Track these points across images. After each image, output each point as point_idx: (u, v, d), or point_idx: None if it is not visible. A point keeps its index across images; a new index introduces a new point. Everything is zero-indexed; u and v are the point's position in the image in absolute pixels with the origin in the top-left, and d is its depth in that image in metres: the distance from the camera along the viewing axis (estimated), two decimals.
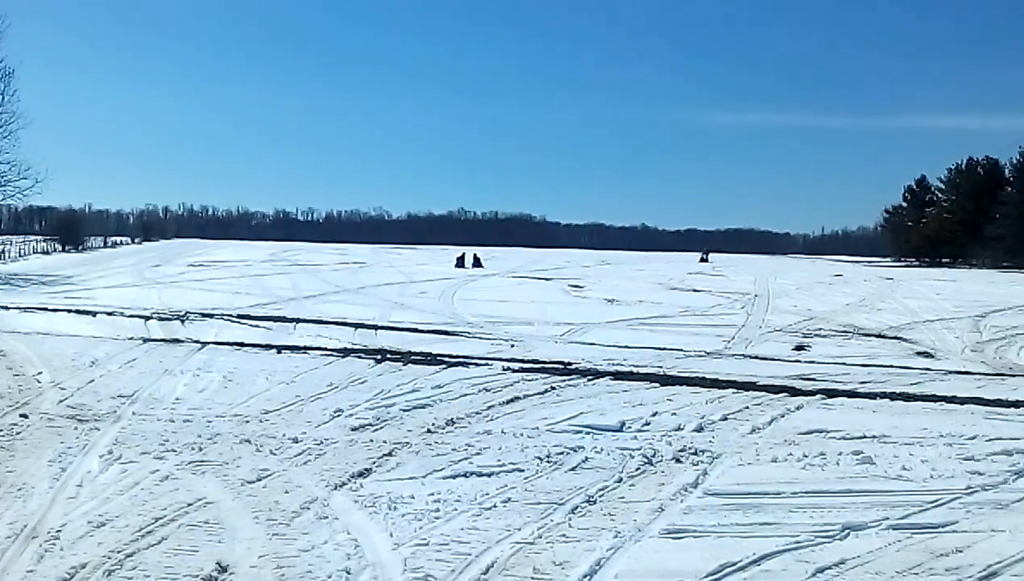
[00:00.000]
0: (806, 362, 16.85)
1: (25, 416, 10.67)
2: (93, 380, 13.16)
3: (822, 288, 40.85)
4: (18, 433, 9.85)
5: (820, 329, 22.99)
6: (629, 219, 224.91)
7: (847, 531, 7.01)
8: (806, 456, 9.34)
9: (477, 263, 53.34)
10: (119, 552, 6.32)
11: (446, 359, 15.64)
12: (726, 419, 11.24)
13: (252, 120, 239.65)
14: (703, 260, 74.19)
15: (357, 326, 20.86)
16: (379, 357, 15.79)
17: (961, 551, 6.62)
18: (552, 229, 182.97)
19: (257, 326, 20.65)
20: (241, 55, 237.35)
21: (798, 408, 12.06)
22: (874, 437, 10.27)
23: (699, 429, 10.63)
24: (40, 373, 13.62)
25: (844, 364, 16.50)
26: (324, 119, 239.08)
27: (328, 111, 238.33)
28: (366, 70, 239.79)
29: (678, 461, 9.13)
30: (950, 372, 15.98)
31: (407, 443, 9.70)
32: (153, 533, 6.75)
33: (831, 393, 13.17)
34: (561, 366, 15.18)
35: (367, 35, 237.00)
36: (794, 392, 13.17)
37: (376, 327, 20.89)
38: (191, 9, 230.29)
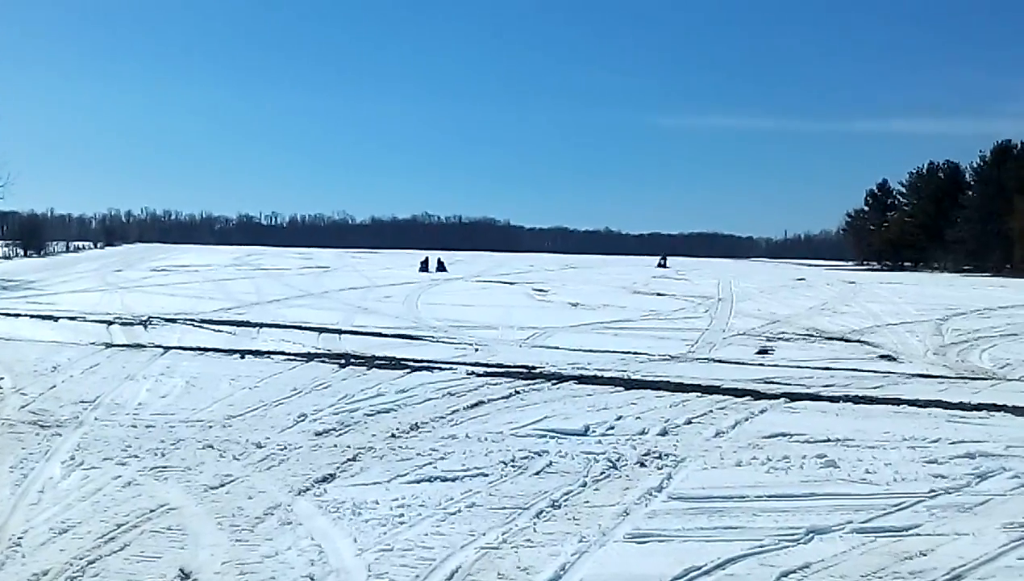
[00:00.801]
0: (770, 366, 16.96)
1: None
2: (55, 386, 13.07)
3: (785, 292, 41.12)
4: None
5: (783, 333, 23.16)
6: (593, 223, 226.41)
7: (811, 535, 7.04)
8: (770, 460, 9.37)
9: (441, 267, 53.28)
10: (81, 559, 6.30)
11: (410, 363, 15.63)
12: (690, 423, 11.28)
13: (215, 124, 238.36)
14: (661, 265, 72.15)
15: (321, 330, 20.83)
16: (343, 361, 15.79)
17: (925, 554, 6.66)
18: (516, 233, 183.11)
19: (220, 331, 20.57)
20: (203, 57, 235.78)
21: (762, 412, 12.13)
22: (837, 440, 10.32)
23: (663, 433, 10.65)
24: (1, 379, 13.51)
25: (807, 368, 16.60)
26: (287, 122, 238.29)
27: (291, 114, 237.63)
28: (328, 73, 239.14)
29: (642, 465, 9.14)
30: (912, 375, 16.13)
31: (371, 448, 9.70)
32: (116, 539, 6.72)
33: (794, 397, 13.26)
34: (525, 370, 15.23)
35: (329, 37, 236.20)
36: (758, 396, 13.23)
37: (340, 331, 20.86)
38: (154, 10, 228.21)
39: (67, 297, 29.46)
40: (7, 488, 8.00)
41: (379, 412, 11.62)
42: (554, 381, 14.26)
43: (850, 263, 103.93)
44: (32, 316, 22.67)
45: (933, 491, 8.31)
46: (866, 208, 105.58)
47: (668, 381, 14.43)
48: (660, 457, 9.45)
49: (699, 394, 13.32)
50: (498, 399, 12.70)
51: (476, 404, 12.29)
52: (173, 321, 22.07)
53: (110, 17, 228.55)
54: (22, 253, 68.16)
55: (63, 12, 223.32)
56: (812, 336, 22.60)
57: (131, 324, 21.23)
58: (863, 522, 7.38)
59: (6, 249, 70.56)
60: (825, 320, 27.08)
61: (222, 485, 8.27)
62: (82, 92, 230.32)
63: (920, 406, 12.68)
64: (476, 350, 18.20)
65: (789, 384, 14.45)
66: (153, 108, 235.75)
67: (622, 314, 27.84)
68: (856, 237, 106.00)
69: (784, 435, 10.59)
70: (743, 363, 17.31)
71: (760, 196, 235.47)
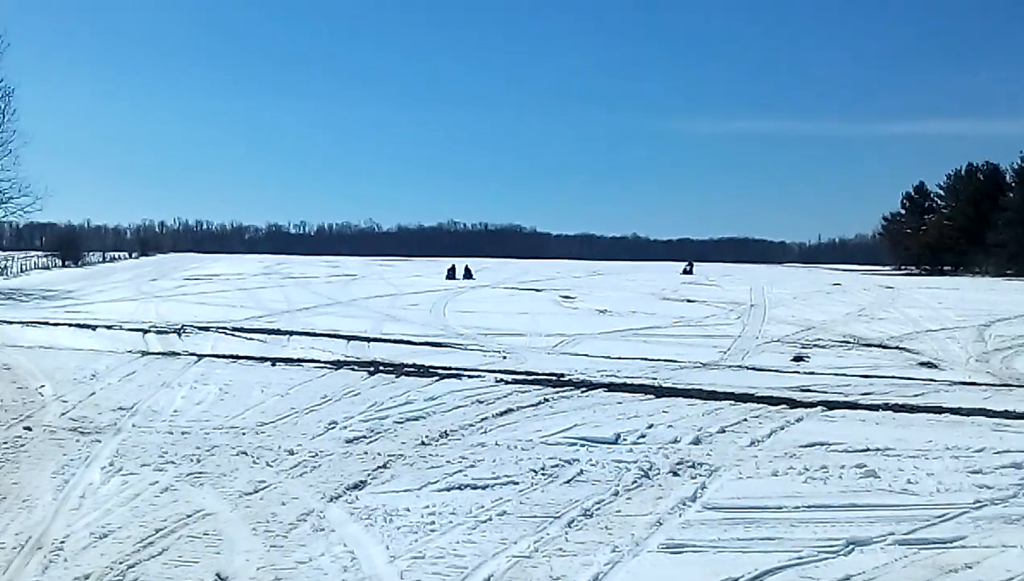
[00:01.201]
0: (805, 373, 16.75)
1: (29, 429, 10.85)
2: (94, 393, 13.33)
3: (820, 297, 40.50)
4: (22, 445, 10.03)
5: (819, 339, 22.88)
6: (620, 229, 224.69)
7: (851, 546, 6.94)
8: (807, 469, 9.26)
9: (468, 274, 53.36)
10: (121, 563, 6.47)
11: (439, 371, 15.76)
12: (724, 431, 11.21)
13: (245, 135, 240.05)
14: (687, 271, 69.98)
15: (350, 338, 21.00)
16: (372, 369, 15.94)
17: (971, 567, 6.58)
18: (542, 240, 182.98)
19: (252, 339, 20.80)
20: (233, 72, 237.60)
21: (798, 420, 11.99)
22: (877, 450, 10.20)
23: (696, 442, 10.60)
24: (43, 386, 13.80)
25: (845, 375, 16.38)
26: (315, 133, 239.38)
27: (318, 125, 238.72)
28: (355, 83, 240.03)
29: (675, 474, 9.10)
30: (954, 383, 15.86)
31: (401, 455, 9.83)
32: (154, 544, 6.90)
33: (832, 405, 13.09)
34: (554, 378, 15.27)
35: (356, 49, 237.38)
36: (794, 404, 13.11)
37: (368, 339, 21.03)
38: (185, 27, 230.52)
39: (104, 306, 29.88)
40: (49, 493, 8.20)
41: (409, 419, 11.75)
42: (583, 388, 14.30)
43: (887, 268, 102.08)
44: (71, 325, 23.04)
45: (978, 502, 8.17)
46: (903, 211, 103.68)
47: (700, 389, 14.33)
48: (693, 466, 9.39)
49: (732, 402, 13.24)
50: (527, 407, 12.77)
51: (505, 412, 12.37)
52: (206, 329, 22.34)
53: (142, 35, 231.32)
54: (60, 263, 68.89)
55: (98, 30, 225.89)
56: (849, 343, 22.32)
57: (166, 332, 21.53)
58: (905, 534, 7.28)
59: (45, 260, 71.39)
60: (862, 326, 26.74)
61: (256, 491, 8.43)
62: (117, 107, 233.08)
63: (963, 414, 12.47)
64: (504, 357, 18.29)
65: (826, 392, 14.27)
66: (185, 122, 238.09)
67: (651, 321, 27.72)
68: (892, 241, 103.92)
69: (822, 444, 10.46)
70: (778, 371, 17.11)
71: (792, 200, 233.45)
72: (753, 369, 17.40)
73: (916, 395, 14.24)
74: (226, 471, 9.10)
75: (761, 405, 13.02)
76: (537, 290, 43.65)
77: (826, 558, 6.72)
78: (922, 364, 18.46)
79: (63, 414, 11.83)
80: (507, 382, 14.71)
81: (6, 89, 42.62)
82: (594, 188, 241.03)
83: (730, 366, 17.85)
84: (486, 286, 46.18)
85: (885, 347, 21.48)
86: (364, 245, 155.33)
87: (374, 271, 63.68)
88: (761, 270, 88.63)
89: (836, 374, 16.57)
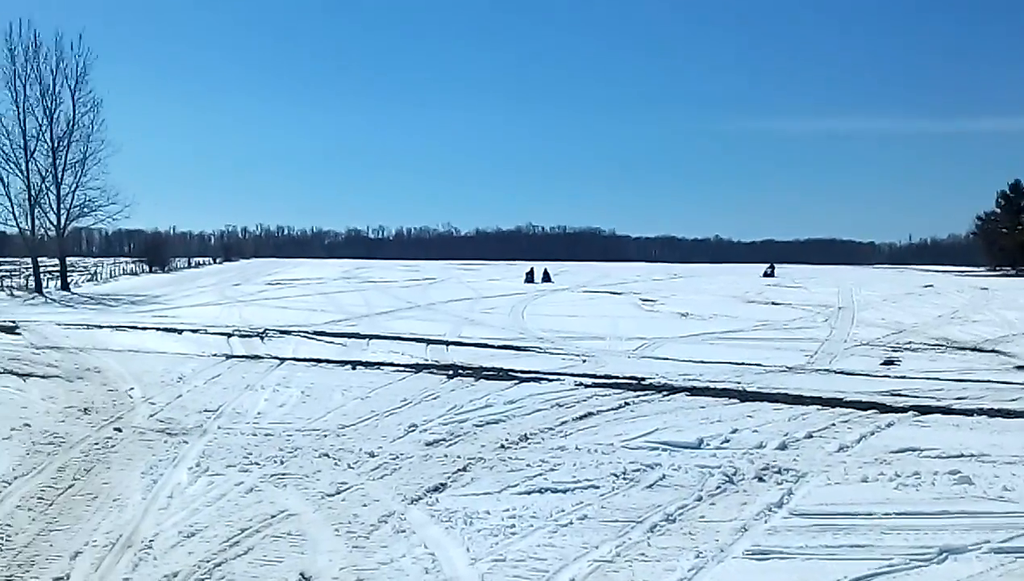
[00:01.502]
0: (896, 377, 16.38)
1: (119, 430, 11.16)
2: (181, 395, 13.65)
3: (911, 300, 39.42)
4: (113, 446, 10.31)
5: (910, 343, 22.40)
6: (702, 231, 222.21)
7: (945, 554, 6.80)
8: (899, 475, 9.06)
9: (546, 278, 53.30)
10: (208, 562, 6.61)
11: (518, 375, 15.80)
12: (811, 437, 11.01)
13: (324, 141, 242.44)
14: (768, 274, 66.94)
15: (429, 342, 21.15)
16: (451, 372, 16.04)
17: None
18: (622, 243, 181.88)
19: (332, 342, 21.04)
20: (313, 80, 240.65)
21: (889, 425, 11.76)
22: (972, 456, 9.95)
23: (782, 447, 10.43)
24: (132, 389, 14.17)
25: (937, 379, 15.99)
26: (394, 138, 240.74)
27: (397, 130, 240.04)
28: (434, 87, 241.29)
29: (761, 480, 8.99)
30: None
31: (481, 458, 9.86)
32: (239, 543, 7.04)
33: (924, 410, 12.80)
34: (635, 381, 15.20)
35: (432, 51, 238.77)
36: (884, 409, 12.84)
37: (447, 343, 21.15)
38: (265, 37, 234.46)
39: (189, 310, 30.53)
40: (139, 493, 8.41)
41: (488, 423, 11.78)
42: (665, 392, 14.20)
43: (981, 268, 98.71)
44: (158, 329, 23.58)
45: None
46: (998, 210, 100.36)
47: (786, 393, 14.14)
48: (780, 472, 9.26)
49: (820, 407, 13.02)
50: (607, 410, 12.71)
51: (585, 415, 12.32)
52: (288, 333, 22.69)
53: (224, 46, 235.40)
54: (147, 269, 70.56)
55: (182, 42, 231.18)
56: (942, 346, 21.80)
57: (249, 336, 21.91)
58: (1002, 542, 7.08)
59: (133, 265, 73.25)
60: (956, 329, 26.04)
61: (338, 493, 8.53)
62: (201, 116, 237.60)
63: None
64: (584, 361, 18.23)
65: (918, 396, 13.95)
66: (267, 130, 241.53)
67: (734, 324, 27.32)
68: (987, 241, 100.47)
69: (913, 450, 10.23)
70: (867, 374, 16.76)
71: (882, 200, 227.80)
72: (841, 373, 17.07)
73: (1012, 400, 13.83)
74: (309, 472, 9.23)
75: (850, 410, 12.77)
76: (617, 293, 43.41)
77: (918, 566, 6.58)
78: (1018, 368, 17.94)
79: (151, 416, 12.14)
80: (587, 386, 14.66)
81: (95, 100, 43.77)
82: (675, 189, 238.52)
83: (817, 370, 17.54)
84: (565, 289, 46.08)
85: (979, 350, 20.92)
86: (442, 249, 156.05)
87: (453, 275, 63.97)
88: (849, 272, 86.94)
89: (928, 378, 16.18)
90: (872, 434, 11.22)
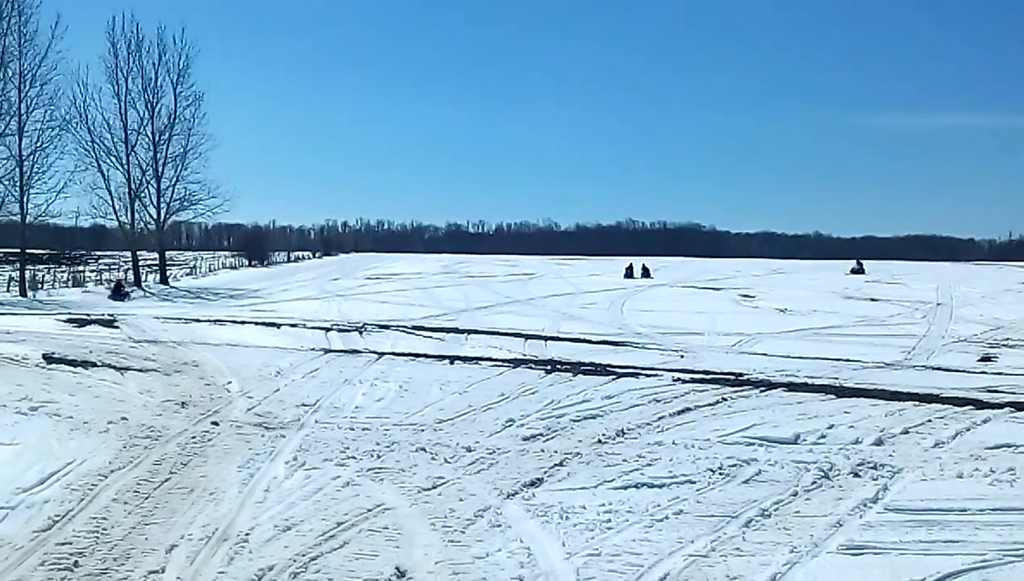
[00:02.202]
0: (993, 374, 16.13)
1: (216, 424, 11.31)
2: (278, 389, 13.81)
3: (1011, 296, 38.50)
4: (210, 440, 10.45)
5: (1008, 339, 21.96)
6: (802, 227, 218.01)
7: None
8: (994, 471, 8.88)
9: (646, 273, 52.92)
10: (304, 555, 6.62)
11: (616, 370, 15.67)
12: (907, 432, 10.86)
13: (424, 135, 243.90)
14: (856, 271, 62.41)
15: (527, 337, 21.11)
16: (549, 367, 15.96)
17: None
18: (722, 238, 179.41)
19: (431, 337, 21.16)
20: (414, 75, 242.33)
21: (985, 422, 11.54)
22: None
23: (878, 443, 10.31)
24: (229, 383, 14.39)
25: None
26: (495, 133, 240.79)
27: (498, 125, 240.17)
28: (532, 82, 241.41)
29: (856, 475, 8.86)
30: None
31: (578, 453, 9.78)
32: (335, 537, 7.04)
33: (1020, 406, 12.53)
34: (732, 377, 15.02)
35: (535, 46, 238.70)
36: (980, 405, 12.61)
37: (546, 338, 21.10)
38: (365, 31, 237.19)
39: (288, 305, 30.95)
40: (235, 487, 8.49)
41: (585, 418, 11.70)
42: (762, 388, 14.02)
43: None
44: (256, 323, 23.93)
45: None
46: None
47: (883, 389, 13.92)
48: (875, 467, 9.12)
49: (916, 403, 12.80)
50: (704, 406, 12.57)
51: (682, 411, 12.20)
52: (386, 327, 22.87)
53: (325, 41, 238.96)
54: (247, 263, 71.52)
55: (283, 36, 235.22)
56: None
57: (347, 331, 22.14)
58: None
59: (232, 259, 74.36)
60: None
61: (434, 487, 8.51)
62: (303, 111, 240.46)
63: None
64: (682, 356, 18.08)
65: (1015, 393, 13.66)
66: (367, 124, 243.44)
67: (833, 320, 27.00)
68: None
69: (1009, 446, 10.04)
70: (964, 371, 16.53)
71: (982, 195, 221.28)
72: (938, 369, 16.89)
73: None
74: (405, 467, 9.23)
75: (946, 406, 12.57)
76: (716, 289, 42.95)
77: (1012, 562, 6.47)
78: None
79: (249, 410, 12.30)
80: (684, 381, 14.51)
81: (196, 94, 44.41)
82: (775, 185, 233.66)
83: (914, 366, 17.35)
84: (664, 285, 45.75)
85: None
86: (542, 244, 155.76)
87: (552, 270, 63.92)
88: (948, 268, 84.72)
89: None
90: (968, 430, 11.06)
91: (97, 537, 7.04)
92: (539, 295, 36.44)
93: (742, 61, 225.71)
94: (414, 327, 23.09)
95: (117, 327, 22.27)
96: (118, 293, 35.09)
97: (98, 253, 61.63)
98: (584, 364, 16.42)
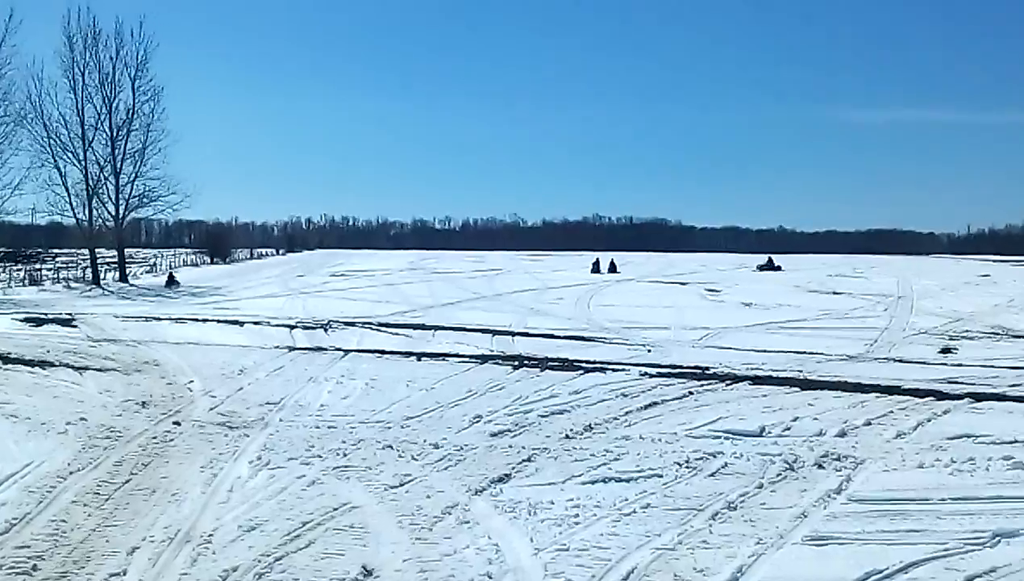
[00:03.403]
0: (953, 365, 16.38)
1: (178, 423, 11.14)
2: (242, 388, 13.63)
3: (969, 289, 39.53)
4: (172, 440, 10.28)
5: (967, 331, 22.36)
6: (767, 222, 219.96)
7: (998, 539, 6.79)
8: (954, 461, 9.07)
9: (612, 268, 53.13)
10: (269, 556, 6.53)
11: (583, 365, 15.65)
12: (870, 424, 11.00)
13: (389, 131, 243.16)
14: (765, 267, 59.05)
15: (494, 333, 21.06)
16: (516, 363, 15.91)
17: None
18: (688, 233, 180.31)
19: (397, 334, 21.01)
20: (376, 69, 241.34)
21: (945, 412, 11.73)
22: None
23: (842, 434, 10.44)
24: (191, 382, 14.16)
25: (993, 367, 15.98)
26: (459, 128, 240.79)
27: (462, 120, 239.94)
28: (497, 78, 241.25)
29: (820, 467, 8.99)
30: None
31: (546, 449, 9.75)
32: (301, 537, 6.95)
33: (980, 397, 12.76)
34: (699, 371, 15.06)
35: (497, 44, 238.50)
36: (941, 396, 12.79)
37: (513, 333, 21.05)
38: (327, 24, 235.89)
39: (251, 302, 30.63)
40: (198, 487, 8.36)
41: (553, 413, 11.67)
42: (728, 381, 14.08)
43: None
44: (219, 321, 23.62)
45: None
46: None
47: (846, 381, 14.11)
48: (839, 459, 9.26)
49: (879, 394, 12.98)
50: (671, 400, 12.60)
51: (649, 405, 12.22)
52: (352, 325, 22.68)
53: (287, 33, 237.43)
54: (209, 260, 70.94)
55: (243, 28, 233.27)
56: (998, 334, 21.79)
57: (312, 328, 21.91)
58: None
59: (194, 256, 73.63)
60: (1013, 317, 26.01)
61: (401, 485, 8.45)
62: (264, 105, 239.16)
63: None
64: (649, 351, 18.10)
65: (974, 384, 13.90)
66: (331, 119, 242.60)
67: (796, 313, 27.31)
68: None
69: (969, 436, 10.23)
70: (925, 363, 16.81)
71: (940, 190, 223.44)
72: (900, 361, 17.10)
73: None
74: (372, 465, 9.15)
75: (908, 397, 12.76)
76: (682, 284, 43.21)
77: (972, 550, 6.60)
78: None
79: (212, 409, 12.13)
80: (651, 375, 14.53)
81: (156, 88, 43.37)
82: (741, 180, 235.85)
83: (876, 358, 17.56)
84: (631, 280, 45.91)
85: None
86: (509, 240, 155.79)
87: (519, 266, 63.96)
88: (908, 262, 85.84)
89: (984, 366, 16.20)
90: (929, 421, 11.24)
91: (56, 540, 6.89)
92: (506, 291, 36.40)
93: (708, 57, 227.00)
94: (380, 324, 22.94)
95: (75, 326, 21.93)
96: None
97: (55, 251, 60.85)
98: (551, 359, 16.38)
